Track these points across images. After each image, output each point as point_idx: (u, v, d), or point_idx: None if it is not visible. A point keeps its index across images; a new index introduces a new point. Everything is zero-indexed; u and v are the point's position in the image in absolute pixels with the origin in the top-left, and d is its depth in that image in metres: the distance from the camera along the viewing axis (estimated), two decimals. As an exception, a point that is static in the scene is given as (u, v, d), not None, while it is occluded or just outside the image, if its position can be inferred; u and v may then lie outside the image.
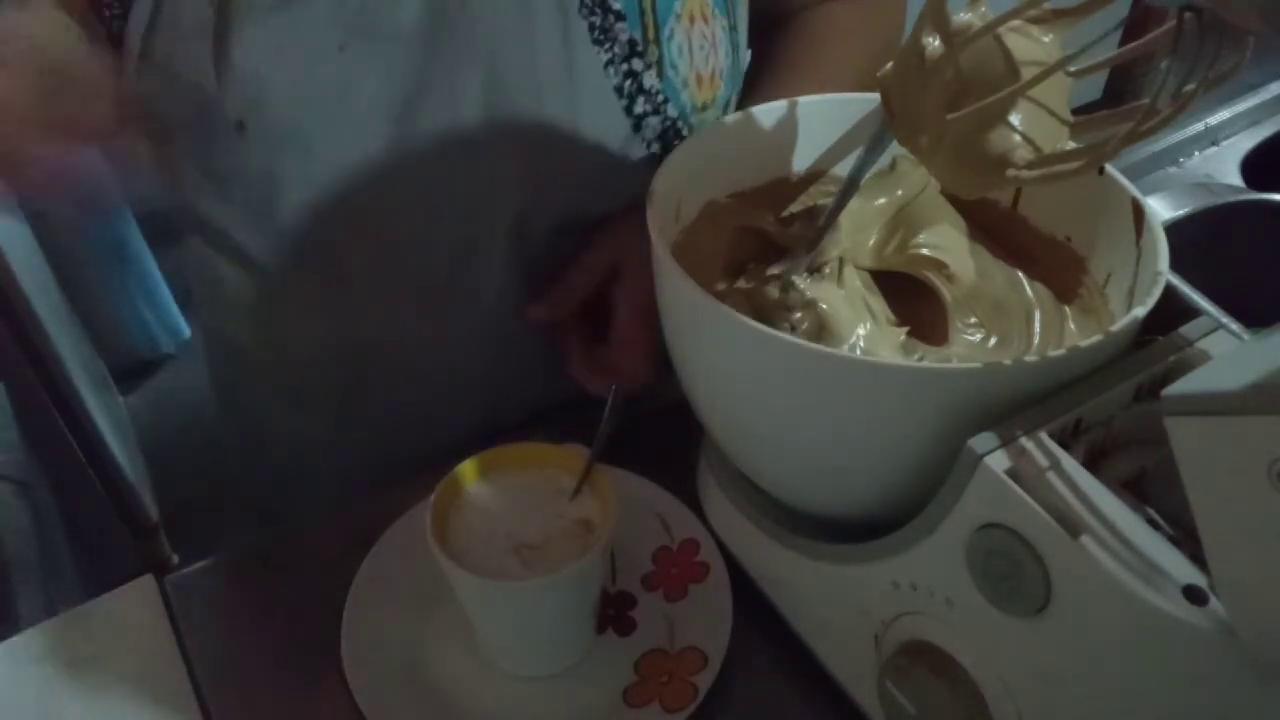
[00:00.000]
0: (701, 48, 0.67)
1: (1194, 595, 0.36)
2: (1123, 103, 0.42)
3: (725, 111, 0.70)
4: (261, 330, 0.72)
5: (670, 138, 0.66)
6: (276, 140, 0.60)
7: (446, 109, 0.61)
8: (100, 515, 1.25)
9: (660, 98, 0.65)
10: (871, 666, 0.49)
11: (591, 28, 0.62)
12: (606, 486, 0.54)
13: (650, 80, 0.64)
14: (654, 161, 0.65)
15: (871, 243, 0.57)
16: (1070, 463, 0.40)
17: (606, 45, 0.62)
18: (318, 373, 0.71)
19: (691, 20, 0.66)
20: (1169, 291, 0.45)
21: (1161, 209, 0.86)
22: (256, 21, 0.57)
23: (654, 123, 0.65)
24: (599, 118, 0.64)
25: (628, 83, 0.64)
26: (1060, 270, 0.54)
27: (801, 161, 0.59)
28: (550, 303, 0.65)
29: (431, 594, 0.57)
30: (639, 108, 0.65)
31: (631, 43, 0.63)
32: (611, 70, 0.63)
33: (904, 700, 0.47)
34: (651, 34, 0.64)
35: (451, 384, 0.70)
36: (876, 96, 0.46)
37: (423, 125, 0.61)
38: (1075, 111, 0.44)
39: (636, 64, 0.63)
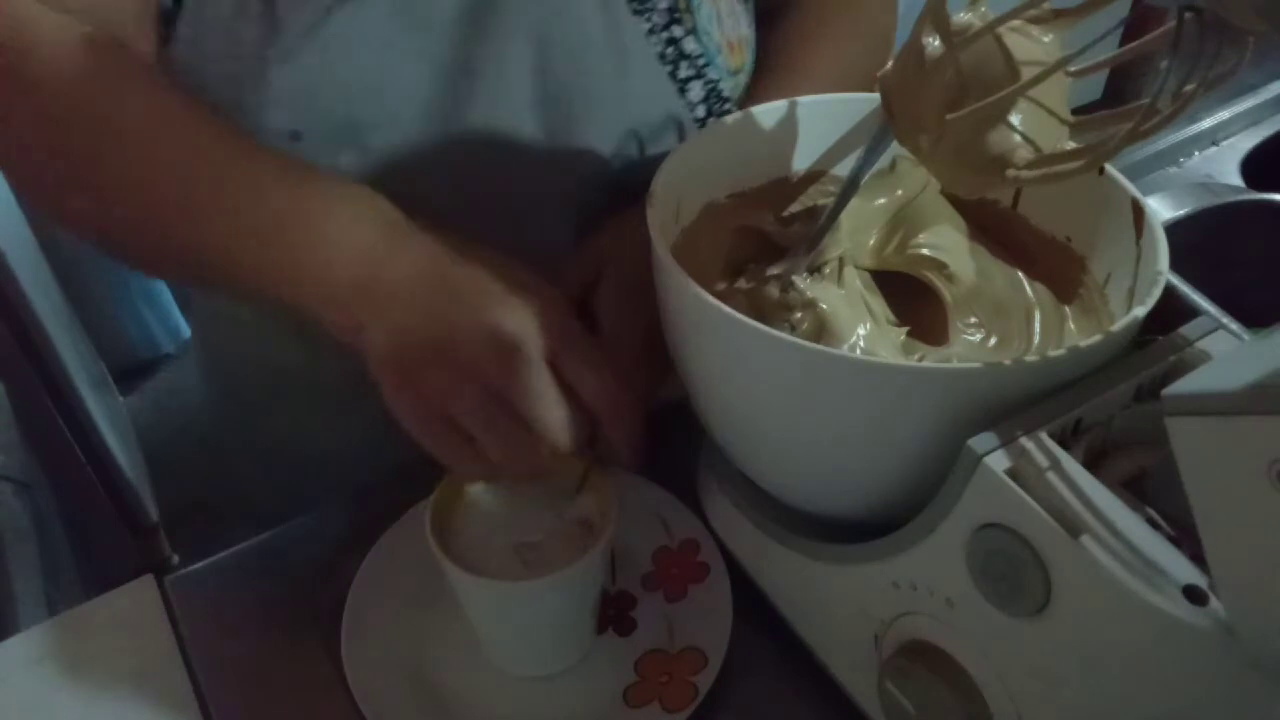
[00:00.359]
0: (729, 14, 0.68)
1: (1194, 595, 0.36)
2: (1123, 103, 0.42)
3: (750, 78, 0.71)
4: (270, 338, 0.72)
5: (714, 101, 0.67)
6: (333, 143, 0.60)
7: (497, 92, 0.61)
8: (100, 515, 1.25)
9: (702, 61, 0.66)
10: (871, 666, 0.49)
11: None
12: (606, 486, 0.54)
13: (691, 45, 0.65)
14: (701, 125, 0.67)
15: (871, 243, 0.57)
16: (1070, 463, 0.40)
17: (646, 15, 0.63)
18: (321, 375, 0.71)
19: None
20: (1169, 291, 0.45)
21: (1161, 209, 0.86)
22: (302, 27, 0.57)
23: (697, 87, 0.66)
24: (647, 86, 0.65)
25: (670, 49, 0.65)
26: (1060, 270, 0.54)
27: (801, 161, 0.59)
28: None
29: (431, 594, 0.57)
30: (683, 73, 0.65)
31: (671, 10, 0.63)
32: (654, 39, 0.64)
33: (904, 700, 0.47)
34: (683, 1, 0.64)
35: None
36: (876, 96, 0.46)
37: (475, 110, 0.61)
38: (1075, 111, 0.44)
39: (677, 30, 0.64)
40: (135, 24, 0.60)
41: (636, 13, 0.63)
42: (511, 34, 0.61)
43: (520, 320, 0.50)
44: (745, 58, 0.70)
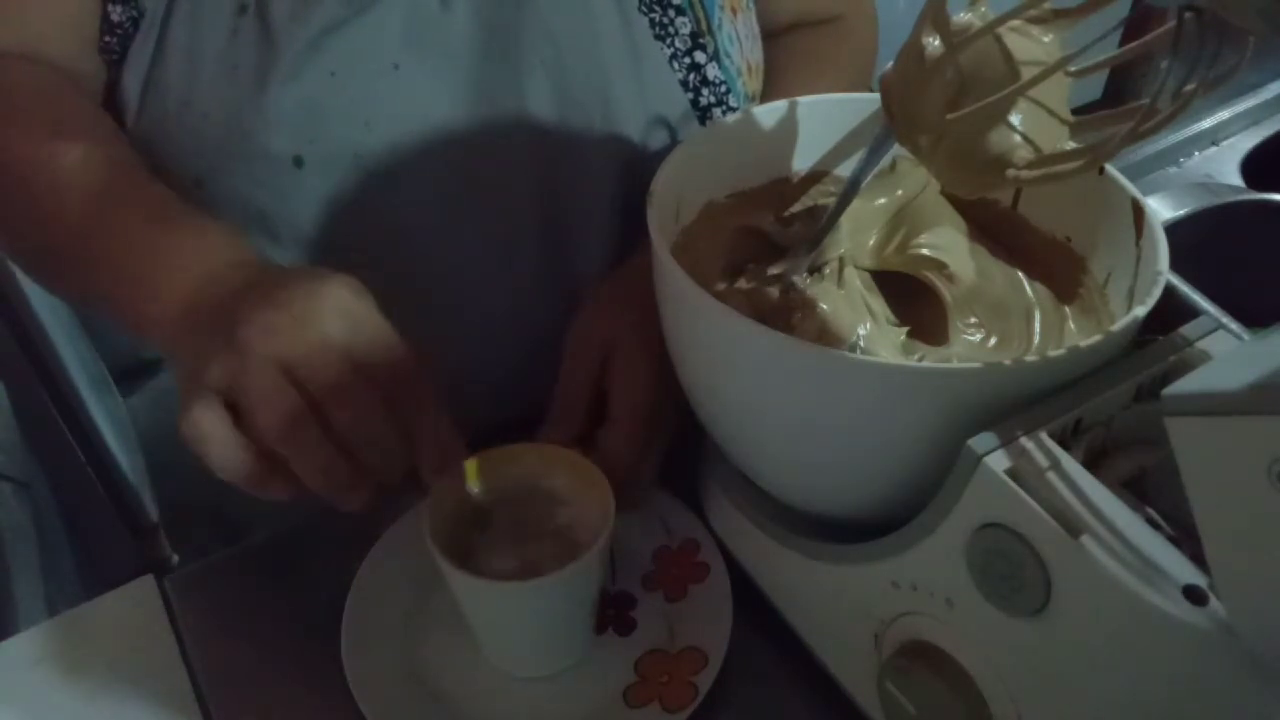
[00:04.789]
0: (747, 37, 0.67)
1: (1194, 595, 0.36)
2: (1123, 103, 0.42)
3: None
4: None
5: None
6: (339, 169, 0.60)
7: (516, 119, 0.60)
8: (100, 515, 1.25)
9: (723, 88, 0.65)
10: (871, 666, 0.49)
11: (652, 23, 0.62)
12: (606, 486, 0.54)
13: (714, 72, 0.64)
14: None
15: (872, 243, 0.57)
16: (1070, 463, 0.40)
17: (668, 40, 0.63)
18: None
19: (734, 11, 0.66)
20: (1169, 291, 0.45)
21: (1161, 209, 0.86)
22: (302, 45, 0.57)
23: (719, 115, 0.66)
24: (667, 113, 0.64)
25: (692, 76, 0.64)
26: (1060, 270, 0.54)
27: (801, 161, 0.59)
28: (561, 423, 0.59)
29: (431, 594, 0.57)
30: (704, 99, 0.65)
31: (694, 35, 0.63)
32: (675, 65, 0.63)
33: (904, 700, 0.47)
34: (704, 25, 0.64)
35: (477, 386, 0.69)
36: (876, 96, 0.46)
37: (493, 137, 0.61)
38: (1075, 111, 0.44)
39: (699, 56, 0.64)
40: (76, 53, 0.60)
41: (659, 38, 0.63)
42: (528, 61, 0.60)
43: (302, 306, 0.45)
44: (760, 83, 0.70)
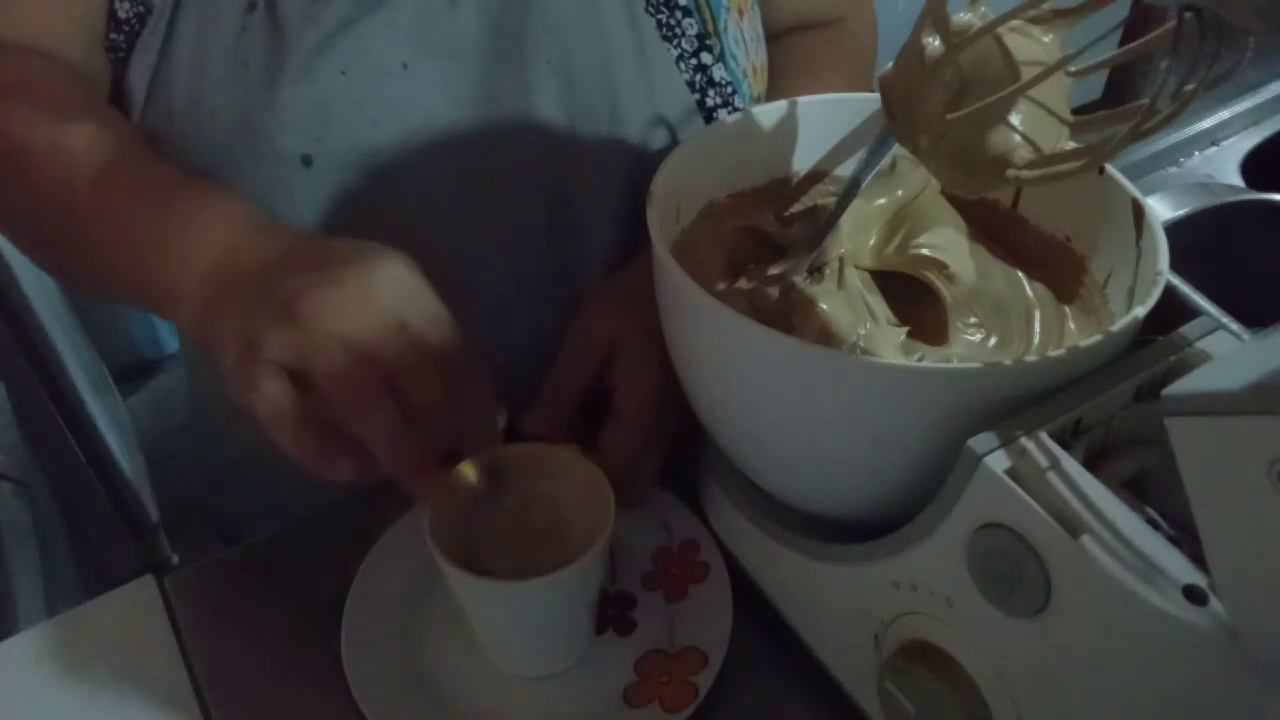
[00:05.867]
0: (752, 39, 0.67)
1: (1194, 595, 0.36)
2: (1123, 103, 0.42)
3: None
4: None
5: None
6: (346, 168, 0.59)
7: (523, 120, 0.60)
8: (100, 515, 1.25)
9: (729, 90, 0.65)
10: (871, 666, 0.49)
11: (659, 24, 0.62)
12: (606, 486, 0.54)
13: (720, 73, 0.64)
14: None
15: (872, 243, 0.57)
16: (1070, 463, 0.40)
17: (675, 41, 0.63)
18: None
19: (740, 13, 0.66)
20: (1169, 291, 0.45)
21: (1161, 209, 0.86)
22: (315, 47, 0.57)
23: (724, 116, 0.65)
24: (674, 114, 0.64)
25: (698, 77, 0.64)
26: (1060, 270, 0.54)
27: (802, 162, 0.59)
28: (548, 408, 0.59)
29: (431, 594, 0.57)
30: (710, 100, 0.65)
31: (701, 36, 0.63)
32: (682, 65, 0.63)
33: (904, 700, 0.47)
34: (711, 26, 0.64)
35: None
36: (876, 96, 0.46)
37: (500, 137, 0.61)
38: (1075, 111, 0.44)
39: (706, 57, 0.64)
40: (83, 49, 0.60)
41: (666, 39, 0.63)
42: (536, 62, 0.60)
43: (359, 284, 0.45)
44: (764, 85, 0.70)
